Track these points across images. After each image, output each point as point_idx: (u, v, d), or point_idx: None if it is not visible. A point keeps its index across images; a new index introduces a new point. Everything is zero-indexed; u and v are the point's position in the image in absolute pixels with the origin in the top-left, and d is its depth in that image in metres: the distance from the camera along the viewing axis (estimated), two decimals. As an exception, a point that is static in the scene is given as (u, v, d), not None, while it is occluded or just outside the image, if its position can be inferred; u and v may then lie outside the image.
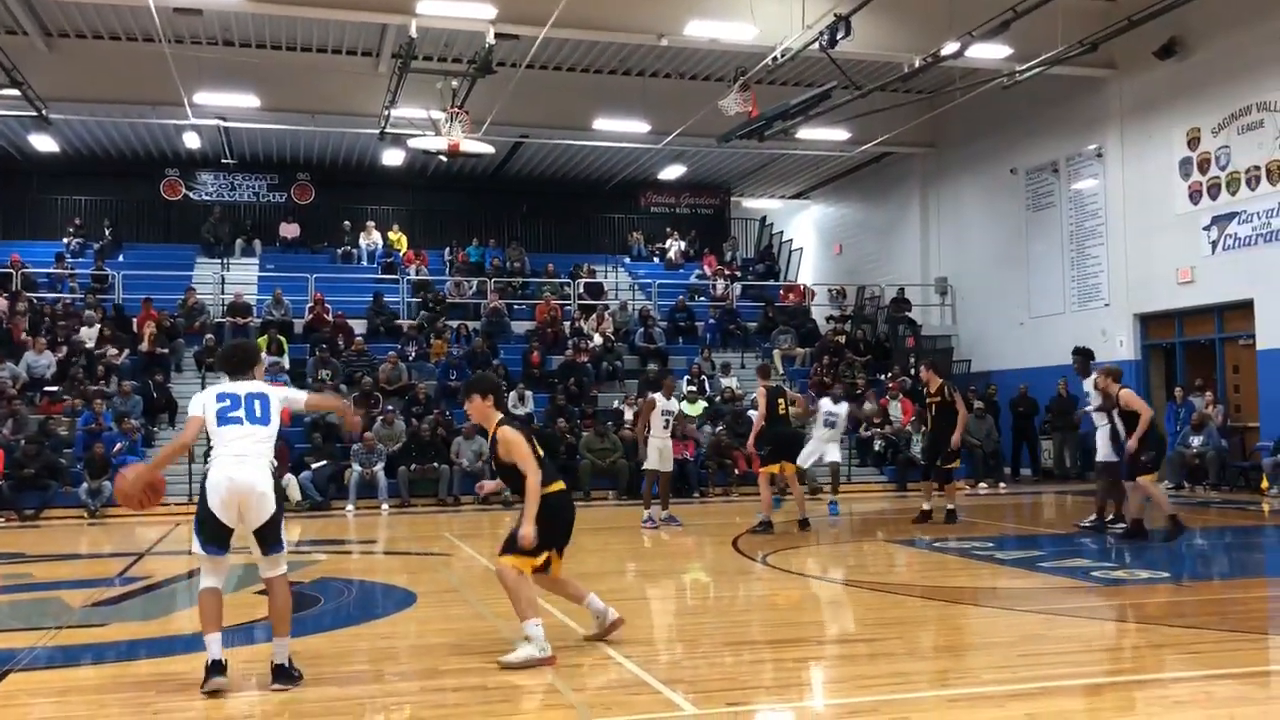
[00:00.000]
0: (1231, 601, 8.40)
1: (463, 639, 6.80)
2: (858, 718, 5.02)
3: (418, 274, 25.54)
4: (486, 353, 21.71)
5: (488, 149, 21.30)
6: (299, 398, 6.39)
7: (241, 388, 5.81)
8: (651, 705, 5.21)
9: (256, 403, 5.73)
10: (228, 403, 5.72)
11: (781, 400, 12.94)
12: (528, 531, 6.01)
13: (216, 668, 5.52)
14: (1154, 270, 19.80)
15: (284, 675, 5.53)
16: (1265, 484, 16.67)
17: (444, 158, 20.65)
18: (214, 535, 5.65)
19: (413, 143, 21.05)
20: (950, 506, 13.23)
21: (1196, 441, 17.98)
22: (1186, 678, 5.76)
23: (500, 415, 6.44)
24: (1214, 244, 18.61)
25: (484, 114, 20.58)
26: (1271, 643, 6.89)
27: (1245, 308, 18.13)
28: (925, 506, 13.44)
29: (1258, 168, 17.79)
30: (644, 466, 14.02)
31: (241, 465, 5.58)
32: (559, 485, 6.32)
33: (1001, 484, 20.27)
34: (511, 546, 6.14)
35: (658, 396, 13.95)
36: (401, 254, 26.46)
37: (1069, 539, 11.72)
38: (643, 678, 5.68)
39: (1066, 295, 21.96)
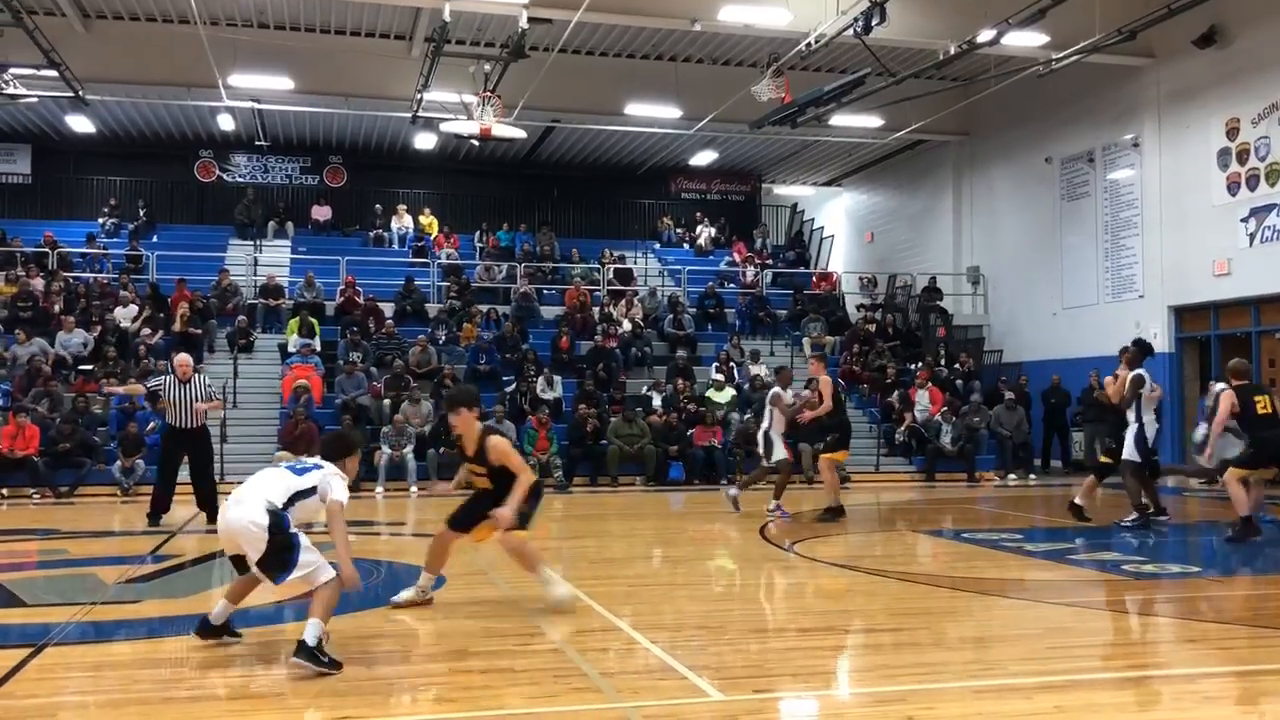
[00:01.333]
0: (1263, 597, 8.33)
1: (490, 621, 6.84)
2: (884, 707, 5.01)
3: (448, 258, 25.62)
4: (516, 337, 21.78)
5: (519, 133, 21.33)
6: (339, 498, 6.06)
7: (310, 462, 6.21)
8: (678, 690, 5.22)
9: (308, 469, 6.10)
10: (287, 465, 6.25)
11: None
12: (508, 514, 6.86)
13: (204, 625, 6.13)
14: (1190, 262, 19.58)
15: (306, 653, 5.51)
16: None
17: (475, 142, 20.70)
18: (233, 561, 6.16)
19: (445, 126, 21.10)
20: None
21: (1230, 435, 17.76)
22: (1216, 673, 5.70)
23: (481, 425, 7.23)
24: (1251, 236, 18.39)
25: (516, 98, 20.59)
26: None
27: (1283, 301, 17.92)
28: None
29: (1297, 159, 17.55)
30: (775, 460, 13.17)
31: (234, 505, 5.90)
32: (535, 476, 7.31)
33: (1031, 475, 20.15)
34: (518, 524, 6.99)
35: (777, 390, 13.38)
36: (432, 238, 26.55)
37: (1101, 531, 11.62)
38: (669, 663, 5.69)
39: (1100, 286, 21.77)
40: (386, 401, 19.06)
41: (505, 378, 20.64)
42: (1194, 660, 6.07)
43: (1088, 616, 7.30)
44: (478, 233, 27.40)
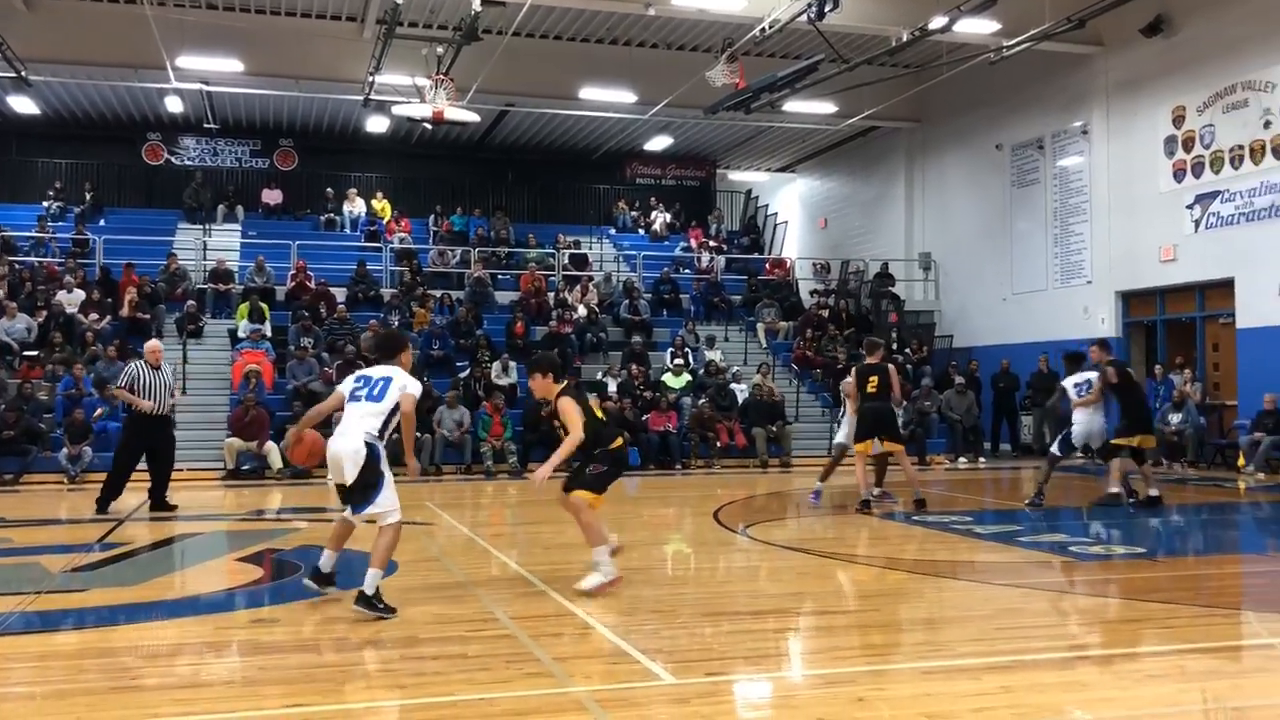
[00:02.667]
0: (1206, 577, 8.50)
1: (443, 607, 6.82)
2: (834, 689, 5.07)
3: (401, 242, 25.43)
4: (470, 322, 21.68)
5: (473, 117, 21.19)
6: (413, 393, 6.79)
7: (376, 371, 6.85)
8: (631, 674, 5.24)
9: (379, 384, 6.70)
10: (360, 384, 6.82)
11: (874, 377, 12.05)
12: (544, 471, 6.95)
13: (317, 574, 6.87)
14: (1137, 248, 19.88)
15: (365, 602, 6.27)
16: (1241, 461, 16.84)
17: (428, 125, 20.54)
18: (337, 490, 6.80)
19: (397, 110, 20.91)
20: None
21: (1175, 419, 18.13)
22: (1160, 652, 5.82)
23: (560, 386, 7.24)
24: (1197, 222, 18.69)
25: (469, 81, 20.45)
26: (1244, 618, 6.98)
27: (1226, 286, 18.25)
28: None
29: (1241, 147, 17.86)
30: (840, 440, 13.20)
31: (339, 437, 6.61)
32: (619, 442, 7.36)
33: (981, 459, 20.40)
34: (581, 482, 7.14)
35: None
36: (385, 222, 26.33)
37: (1051, 513, 11.80)
38: (623, 647, 5.71)
39: (1049, 272, 22.04)
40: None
41: (459, 363, 20.55)
42: (1137, 640, 6.19)
43: (1035, 598, 7.41)
44: (431, 217, 27.21)
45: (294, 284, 22.40)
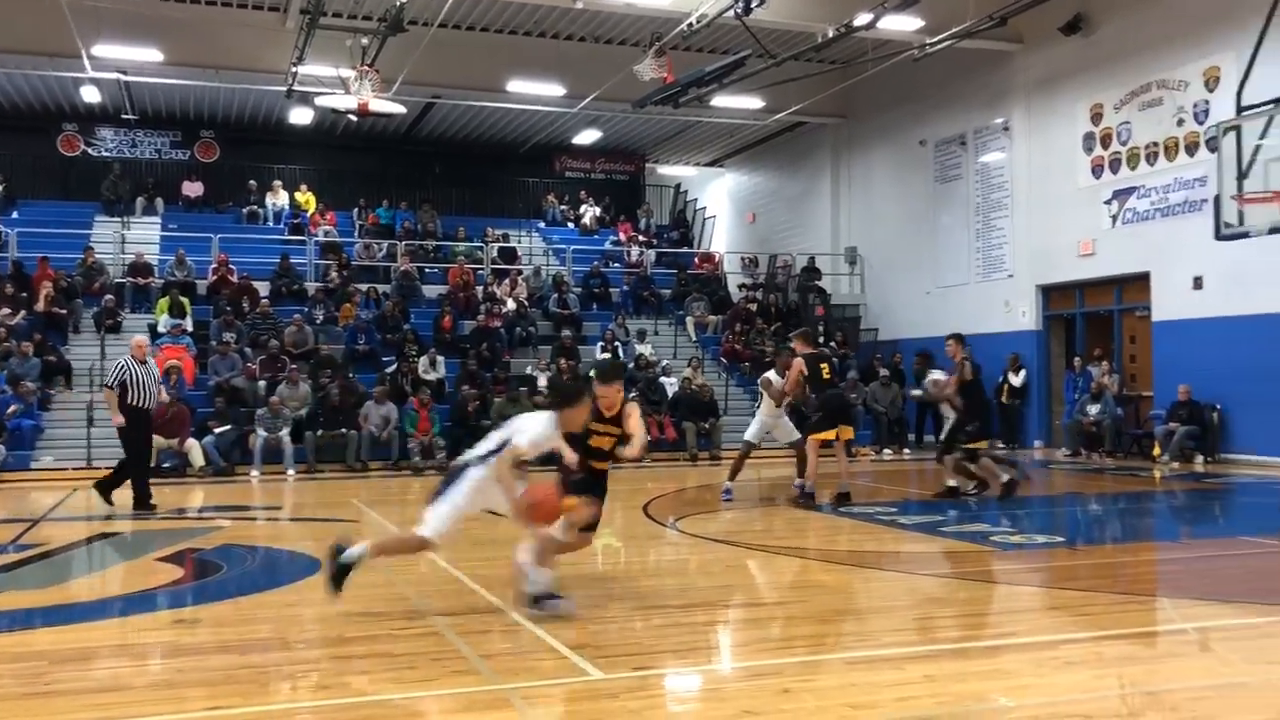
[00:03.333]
0: (1122, 565, 8.71)
1: (369, 606, 6.74)
2: (760, 680, 5.10)
3: (326, 236, 25.10)
4: (397, 317, 21.46)
5: (398, 109, 20.96)
6: (518, 444, 6.35)
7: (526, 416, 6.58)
8: (558, 670, 5.23)
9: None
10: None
11: (825, 365, 11.99)
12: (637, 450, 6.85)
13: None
14: (1056, 242, 20.28)
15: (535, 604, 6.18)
16: (1157, 451, 17.28)
17: (353, 117, 20.25)
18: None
19: (320, 101, 20.61)
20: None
21: (1094, 410, 18.56)
22: (1078, 639, 5.94)
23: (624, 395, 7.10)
24: (1114, 218, 19.12)
25: (395, 73, 20.24)
26: (1159, 604, 7.16)
27: (1142, 280, 18.70)
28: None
29: (1156, 144, 18.30)
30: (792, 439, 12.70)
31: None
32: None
33: (905, 450, 20.69)
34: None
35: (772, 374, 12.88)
36: (309, 215, 25.96)
37: (970, 504, 12.00)
38: (550, 643, 5.70)
39: (972, 266, 22.41)
40: (262, 383, 18.63)
41: (385, 358, 20.34)
42: (1056, 627, 6.32)
43: (957, 587, 7.54)
44: (356, 210, 26.87)
45: (215, 278, 21.98)
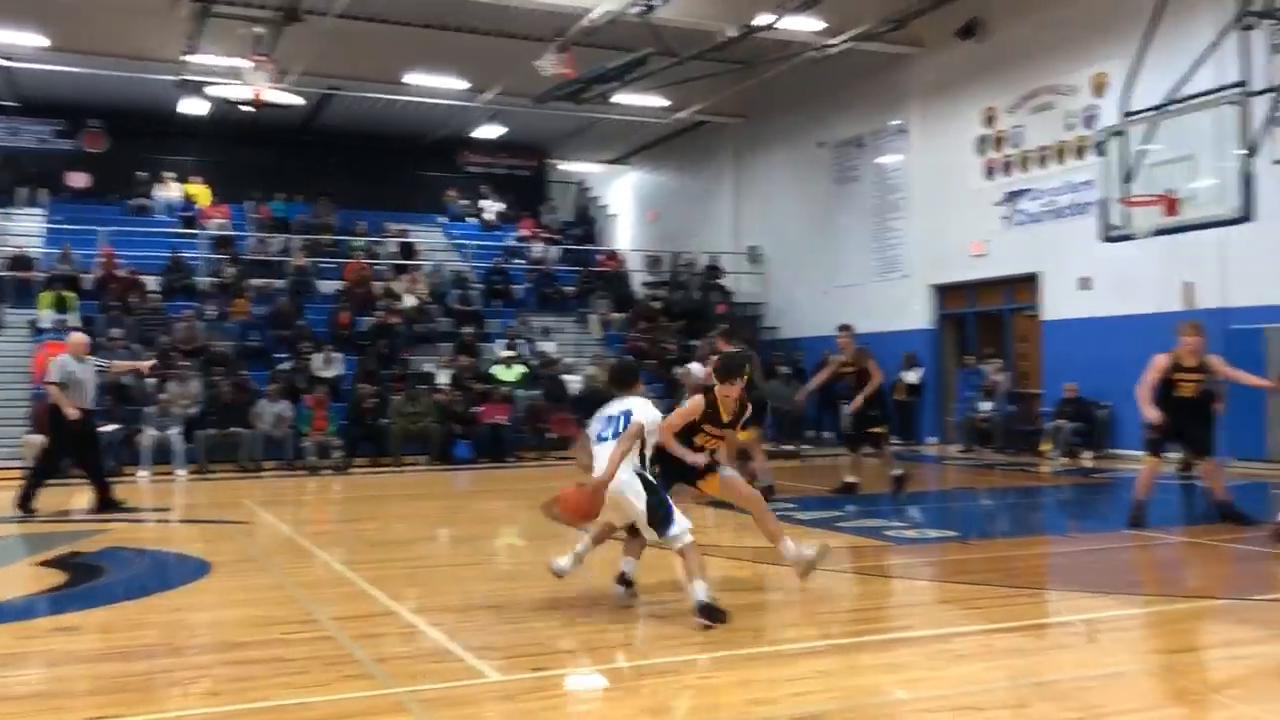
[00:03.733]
0: (1012, 558, 8.92)
1: (262, 610, 6.59)
2: (661, 678, 5.10)
3: (218, 229, 24.47)
4: (292, 313, 21.01)
5: (295, 100, 20.55)
6: (657, 417, 6.51)
7: (615, 408, 6.51)
8: (456, 673, 5.16)
9: (621, 420, 6.39)
10: (604, 425, 6.50)
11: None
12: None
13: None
14: (950, 243, 20.72)
15: (706, 612, 5.97)
16: (1046, 447, 17.76)
17: (247, 108, 19.78)
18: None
19: (213, 91, 20.12)
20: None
21: (985, 407, 19.01)
22: (969, 632, 6.07)
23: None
24: (1006, 219, 19.60)
25: (291, 64, 19.83)
26: (1048, 596, 7.36)
27: (1032, 281, 19.19)
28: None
29: (1046, 147, 18.80)
30: None
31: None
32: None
33: (805, 446, 20.92)
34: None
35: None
36: (201, 208, 25.28)
37: (868, 499, 12.19)
38: (448, 646, 5.62)
39: (869, 266, 22.77)
40: (152, 381, 18.07)
41: (279, 355, 19.89)
42: (948, 620, 6.45)
43: (853, 582, 7.65)
44: (251, 203, 26.25)
45: (102, 272, 21.27)
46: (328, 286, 23.29)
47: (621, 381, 6.79)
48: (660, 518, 6.25)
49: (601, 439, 6.45)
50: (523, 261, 26.25)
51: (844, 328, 13.07)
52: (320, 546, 9.44)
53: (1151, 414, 9.71)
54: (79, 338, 12.35)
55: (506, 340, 21.54)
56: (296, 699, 4.74)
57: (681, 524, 6.26)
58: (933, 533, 9.75)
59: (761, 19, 17.17)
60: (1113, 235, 13.74)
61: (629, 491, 6.26)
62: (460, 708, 4.66)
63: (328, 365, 19.42)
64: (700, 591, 6.06)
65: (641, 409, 6.46)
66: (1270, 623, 6.33)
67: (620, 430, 6.33)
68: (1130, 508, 9.83)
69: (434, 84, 22.71)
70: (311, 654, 5.49)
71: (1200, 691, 4.78)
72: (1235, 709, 4.56)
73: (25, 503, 11.71)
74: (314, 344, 19.86)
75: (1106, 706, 4.71)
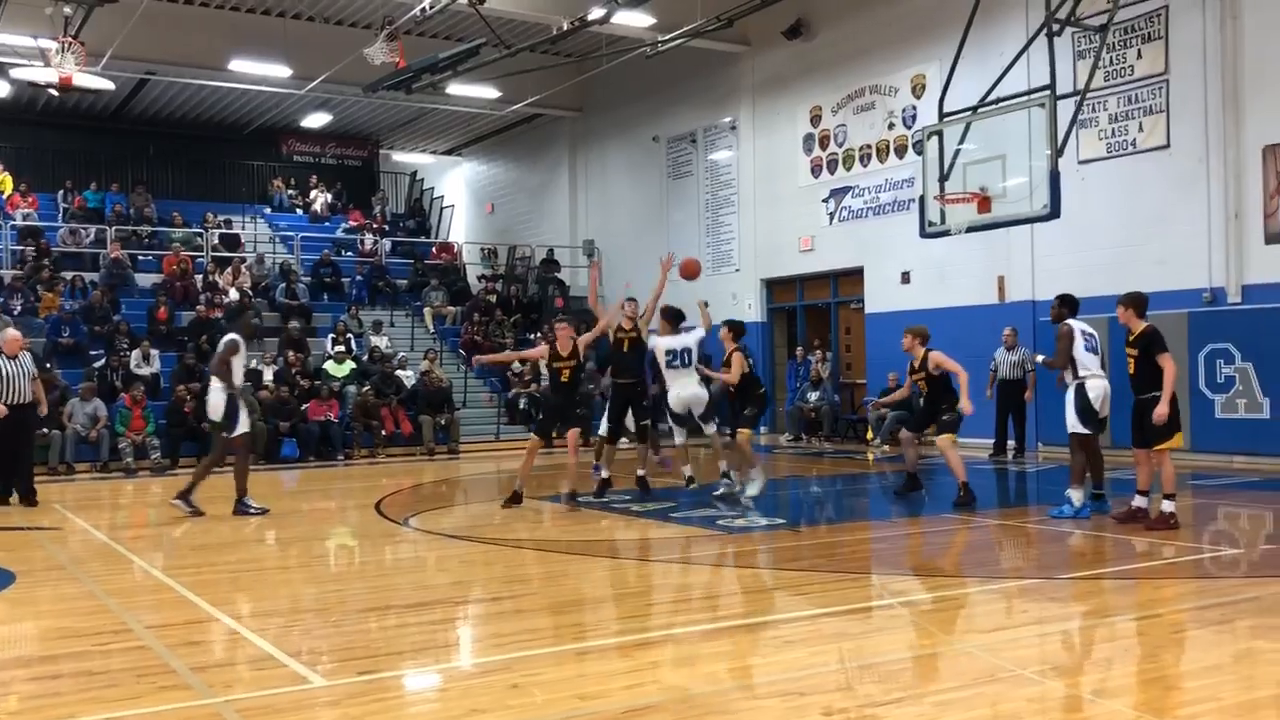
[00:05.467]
0: (839, 544, 9.19)
1: (71, 620, 6.24)
2: (488, 677, 5.05)
3: (25, 219, 23.08)
4: (106, 307, 19.99)
5: (107, 85, 19.51)
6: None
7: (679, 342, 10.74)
8: (278, 679, 4.99)
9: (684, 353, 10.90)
10: (672, 357, 10.99)
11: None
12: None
13: None
14: (779, 238, 21.22)
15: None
16: (870, 435, 18.37)
17: (55, 92, 18.69)
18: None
19: (16, 74, 18.94)
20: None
21: (813, 397, 19.54)
22: (797, 617, 6.21)
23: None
24: (831, 215, 20.18)
25: (104, 46, 18.84)
26: (873, 580, 7.59)
27: (856, 275, 19.82)
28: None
29: (869, 146, 19.43)
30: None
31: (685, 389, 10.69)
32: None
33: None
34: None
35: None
36: (6, 196, 23.78)
37: (702, 491, 12.34)
38: (270, 651, 5.43)
39: (703, 260, 23.04)
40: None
41: (93, 352, 18.90)
42: (778, 607, 6.59)
43: (687, 572, 7.74)
44: (61, 192, 24.84)
45: (-108, 264, 19.82)
46: (145, 280, 22.24)
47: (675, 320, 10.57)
48: (711, 413, 10.55)
49: (672, 366, 11.00)
50: (352, 254, 25.63)
51: (728, 324, 12.70)
52: (137, 552, 9.02)
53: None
54: (13, 335, 12.28)
55: (335, 335, 21.00)
56: (105, 714, 4.51)
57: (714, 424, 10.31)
58: (763, 521, 9.95)
59: (594, 13, 17.19)
60: (930, 231, 14.28)
61: (698, 398, 10.90)
62: (282, 716, 4.50)
63: (145, 362, 18.56)
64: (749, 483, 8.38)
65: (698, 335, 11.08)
66: (1075, 599, 6.70)
67: (688, 360, 11.08)
68: (959, 491, 10.48)
69: (257, 71, 21.91)
70: (124, 665, 5.23)
71: (1012, 669, 5.01)
72: (1044, 684, 4.79)
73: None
74: (130, 340, 18.95)
75: (927, 686, 4.90)
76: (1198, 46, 14.69)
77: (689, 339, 11.43)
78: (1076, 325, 9.74)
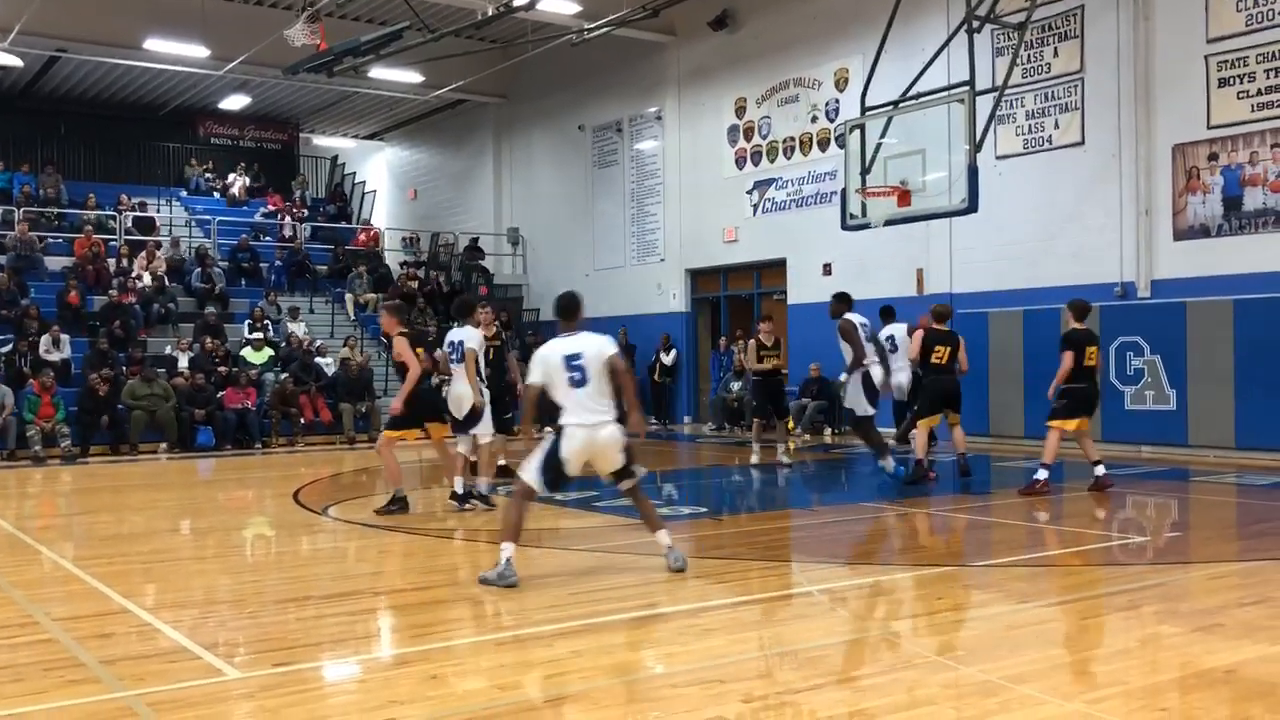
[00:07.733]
0: (760, 532, 9.27)
1: (-29, 614, 6.05)
2: (407, 669, 5.01)
3: (-73, 199, 22.30)
4: (14, 291, 19.40)
5: (15, 62, 19.01)
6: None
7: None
8: (191, 672, 4.89)
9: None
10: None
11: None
12: None
13: None
14: (704, 229, 21.30)
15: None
16: (791, 425, 18.53)
17: (-42, 68, 18.09)
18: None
19: (-82, 47, 18.27)
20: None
21: (736, 387, 19.67)
22: (717, 606, 6.25)
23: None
24: (755, 207, 20.31)
25: (11, 21, 18.31)
26: (793, 568, 7.67)
27: (779, 266, 19.98)
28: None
29: (793, 139, 19.58)
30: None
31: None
32: None
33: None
34: None
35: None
36: (-95, 174, 22.98)
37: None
38: (183, 644, 5.33)
39: (628, 250, 23.11)
40: None
41: (1, 337, 18.35)
42: (699, 595, 6.62)
43: (609, 561, 7.74)
44: (-34, 171, 24.06)
45: None
46: (55, 263, 21.61)
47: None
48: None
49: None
50: (271, 239, 25.17)
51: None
52: (46, 543, 8.78)
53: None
54: None
55: (253, 321, 20.62)
56: (10, 709, 4.38)
57: None
58: (685, 509, 9.99)
59: (519, -1, 17.08)
60: (852, 224, 14.43)
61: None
62: (195, 709, 4.41)
63: (55, 347, 18.06)
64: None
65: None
66: (990, 586, 6.84)
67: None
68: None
69: (173, 50, 21.38)
70: (30, 659, 5.10)
71: (928, 654, 5.10)
72: (959, 670, 4.88)
73: None
74: (40, 324, 18.43)
75: (846, 672, 4.96)
76: (1111, 46, 15.04)
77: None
78: (855, 318, 10.95)
